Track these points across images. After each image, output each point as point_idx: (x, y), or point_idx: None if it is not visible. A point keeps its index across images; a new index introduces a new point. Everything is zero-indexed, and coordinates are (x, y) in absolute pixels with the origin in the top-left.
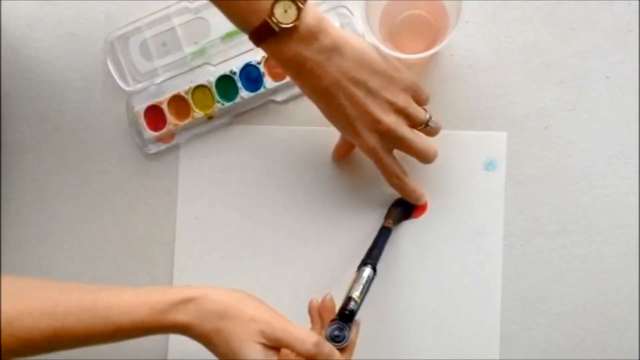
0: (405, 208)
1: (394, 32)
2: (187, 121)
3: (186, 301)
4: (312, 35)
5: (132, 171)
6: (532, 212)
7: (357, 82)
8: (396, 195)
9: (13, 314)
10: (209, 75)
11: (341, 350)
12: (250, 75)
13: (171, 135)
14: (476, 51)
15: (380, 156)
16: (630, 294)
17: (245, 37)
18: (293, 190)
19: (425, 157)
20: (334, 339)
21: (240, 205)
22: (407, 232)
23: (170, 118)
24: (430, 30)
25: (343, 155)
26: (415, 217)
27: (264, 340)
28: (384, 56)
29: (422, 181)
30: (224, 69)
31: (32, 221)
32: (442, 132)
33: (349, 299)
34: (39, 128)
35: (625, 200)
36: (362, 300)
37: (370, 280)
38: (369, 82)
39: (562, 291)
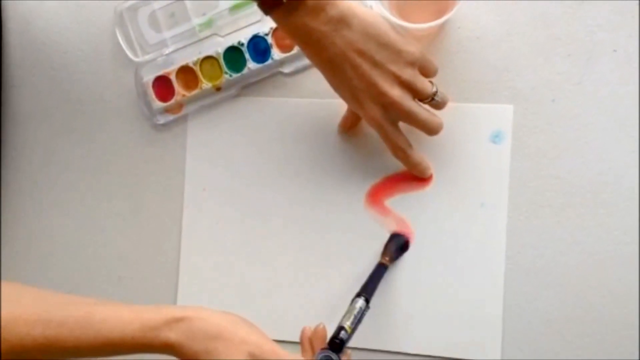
0: (400, 244)
1: (402, 3)
2: (195, 92)
3: (178, 320)
4: (320, 6)
5: (140, 142)
6: (538, 185)
7: (364, 54)
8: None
9: (8, 319)
10: (217, 47)
11: None
12: (258, 47)
13: (179, 106)
14: (484, 23)
15: (385, 128)
16: (633, 267)
17: (252, 9)
18: (300, 162)
19: (430, 130)
20: None
21: (247, 177)
22: (412, 204)
23: (178, 89)
24: (439, 2)
25: (349, 127)
26: (421, 189)
27: None
28: (392, 28)
29: (427, 153)
30: (231, 40)
31: (41, 191)
32: (448, 105)
33: (340, 328)
34: (48, 98)
35: (631, 173)
36: (353, 330)
37: (362, 312)
38: (376, 54)
39: (565, 263)
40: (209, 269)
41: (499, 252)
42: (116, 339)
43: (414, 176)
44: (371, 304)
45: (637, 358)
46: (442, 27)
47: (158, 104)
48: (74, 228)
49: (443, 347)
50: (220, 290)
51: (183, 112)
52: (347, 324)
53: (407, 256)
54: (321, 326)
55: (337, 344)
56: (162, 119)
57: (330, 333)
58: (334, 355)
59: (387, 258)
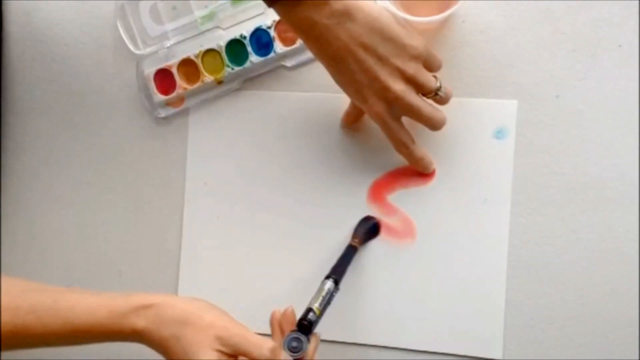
0: (371, 228)
1: None
2: (196, 85)
3: (146, 307)
4: None
5: (141, 135)
6: (541, 181)
7: (367, 48)
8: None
9: None
10: (219, 39)
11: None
12: (261, 40)
13: (181, 100)
14: (488, 18)
15: (388, 123)
16: (636, 264)
17: (255, 1)
18: (302, 156)
19: (433, 125)
20: (291, 349)
21: (248, 171)
22: (414, 199)
23: (180, 82)
24: None
25: (352, 121)
26: (423, 184)
27: (220, 347)
28: (396, 22)
29: (430, 148)
30: (234, 33)
31: (41, 184)
32: (452, 100)
33: (308, 310)
34: (49, 90)
35: (635, 169)
36: (321, 312)
37: (331, 294)
38: (379, 48)
39: (568, 260)
40: (210, 262)
41: (501, 248)
42: (84, 326)
43: (417, 171)
44: (374, 299)
45: (639, 355)
46: (446, 21)
47: (159, 97)
48: (75, 221)
49: (445, 343)
50: (221, 284)
51: (184, 105)
52: (316, 306)
53: (409, 252)
54: (290, 309)
55: (305, 325)
56: (163, 112)
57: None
58: (302, 337)
59: (356, 240)
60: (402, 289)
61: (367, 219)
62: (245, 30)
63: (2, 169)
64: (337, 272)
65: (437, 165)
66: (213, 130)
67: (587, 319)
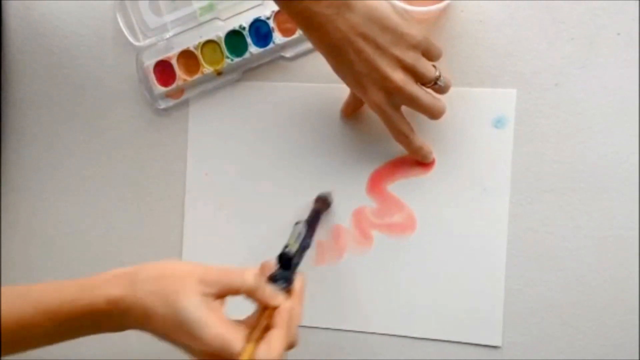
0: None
1: None
2: (196, 77)
3: (118, 276)
4: None
5: (141, 127)
6: (540, 170)
7: (366, 38)
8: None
9: None
10: (218, 31)
11: (288, 295)
12: (260, 31)
13: (181, 91)
14: (487, 7)
15: (387, 113)
16: (635, 252)
17: None
18: (302, 146)
19: (433, 114)
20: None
21: (249, 161)
22: (414, 189)
23: (179, 73)
24: None
25: (352, 111)
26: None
27: (204, 289)
28: (395, 12)
29: (430, 138)
30: (233, 24)
31: (42, 177)
32: (451, 89)
33: (284, 247)
34: (49, 83)
35: (634, 158)
36: (299, 249)
37: (305, 236)
38: (378, 37)
39: (567, 248)
40: (211, 252)
41: (500, 236)
42: (55, 306)
43: (416, 161)
44: (373, 287)
45: (638, 343)
46: (445, 10)
47: (159, 89)
48: (76, 213)
49: (444, 330)
50: None
51: (184, 96)
52: (291, 242)
53: (409, 240)
54: (269, 260)
55: (285, 258)
56: (163, 104)
57: None
58: (285, 273)
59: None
60: (402, 277)
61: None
62: (244, 21)
63: (2, 162)
64: (310, 220)
65: (436, 154)
66: (213, 122)
67: (586, 306)
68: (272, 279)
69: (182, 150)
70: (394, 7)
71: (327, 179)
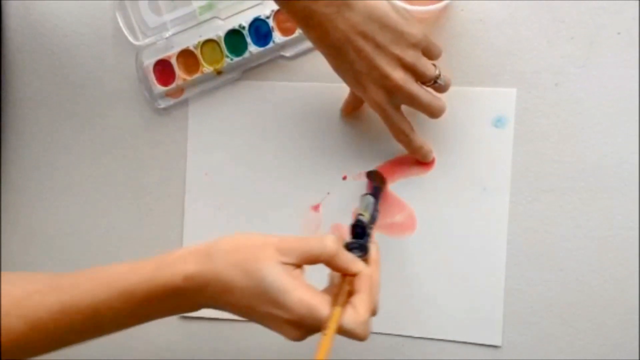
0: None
1: None
2: (196, 76)
3: (192, 252)
4: None
5: (141, 126)
6: (540, 170)
7: (366, 37)
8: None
9: (21, 295)
10: (218, 30)
11: (365, 263)
12: (260, 30)
13: (180, 90)
14: (487, 6)
15: (387, 112)
16: (634, 251)
17: None
18: (301, 146)
19: (433, 112)
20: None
21: (249, 161)
22: (414, 188)
23: (179, 73)
24: None
25: (352, 110)
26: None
27: (282, 258)
28: (395, 10)
29: (430, 137)
30: (232, 23)
31: (42, 176)
32: (451, 88)
33: (357, 215)
34: (49, 82)
35: (633, 157)
36: (371, 218)
37: (375, 206)
38: (378, 36)
39: (567, 247)
40: None
41: (500, 236)
42: (133, 285)
43: (416, 160)
44: None
45: (638, 342)
46: (445, 9)
47: (159, 88)
48: (76, 212)
49: (444, 330)
50: None
51: (184, 96)
52: (362, 211)
53: (409, 239)
54: (335, 233)
55: (359, 227)
56: (163, 103)
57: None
58: (361, 242)
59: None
60: (402, 276)
61: (372, 173)
62: (244, 20)
63: (2, 161)
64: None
65: (436, 153)
66: (213, 121)
67: (586, 306)
68: (348, 247)
69: (182, 150)
70: (393, 6)
71: (326, 178)
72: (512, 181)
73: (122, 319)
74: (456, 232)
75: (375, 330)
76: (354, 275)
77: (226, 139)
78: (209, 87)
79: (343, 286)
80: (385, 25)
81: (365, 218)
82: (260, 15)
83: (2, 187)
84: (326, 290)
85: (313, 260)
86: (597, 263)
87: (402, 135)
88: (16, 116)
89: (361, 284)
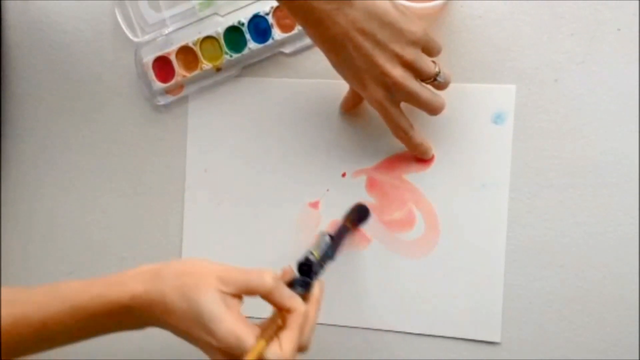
0: (362, 215)
1: None
2: (195, 73)
3: (143, 272)
4: None
5: (140, 123)
6: (540, 166)
7: (366, 33)
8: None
9: None
10: (217, 26)
11: (304, 300)
12: (259, 27)
13: (180, 87)
14: (487, 2)
15: (387, 109)
16: (634, 247)
17: None
18: (301, 142)
19: (432, 109)
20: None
21: (248, 157)
22: (413, 185)
23: (178, 69)
24: None
25: (351, 107)
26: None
27: (222, 287)
28: (395, 7)
29: (429, 133)
30: (232, 20)
31: (41, 172)
32: (451, 85)
33: (307, 253)
34: (48, 79)
35: (633, 153)
36: (321, 259)
37: (328, 248)
38: (378, 33)
39: (567, 244)
40: (211, 249)
41: (500, 232)
42: (84, 302)
43: (416, 157)
44: (372, 284)
45: (638, 338)
46: (444, 6)
47: (158, 85)
48: (75, 209)
49: (444, 327)
50: None
51: (183, 92)
52: (313, 250)
53: (408, 236)
54: (288, 266)
55: (305, 266)
56: (162, 100)
57: None
58: (305, 280)
59: (348, 224)
60: (401, 273)
61: (358, 206)
62: (243, 16)
63: (1, 157)
64: (335, 241)
65: (436, 150)
66: (212, 118)
67: (586, 302)
68: (291, 283)
69: (181, 146)
70: (394, 3)
71: (326, 175)
72: (511, 177)
73: (71, 333)
74: (456, 229)
75: (373, 327)
76: (288, 311)
77: (226, 136)
78: (209, 83)
79: (275, 320)
80: (385, 22)
81: (314, 257)
82: (259, 12)
83: (1, 182)
84: (263, 323)
85: (251, 292)
86: (596, 259)
87: (402, 132)
88: (15, 112)
89: (292, 321)
